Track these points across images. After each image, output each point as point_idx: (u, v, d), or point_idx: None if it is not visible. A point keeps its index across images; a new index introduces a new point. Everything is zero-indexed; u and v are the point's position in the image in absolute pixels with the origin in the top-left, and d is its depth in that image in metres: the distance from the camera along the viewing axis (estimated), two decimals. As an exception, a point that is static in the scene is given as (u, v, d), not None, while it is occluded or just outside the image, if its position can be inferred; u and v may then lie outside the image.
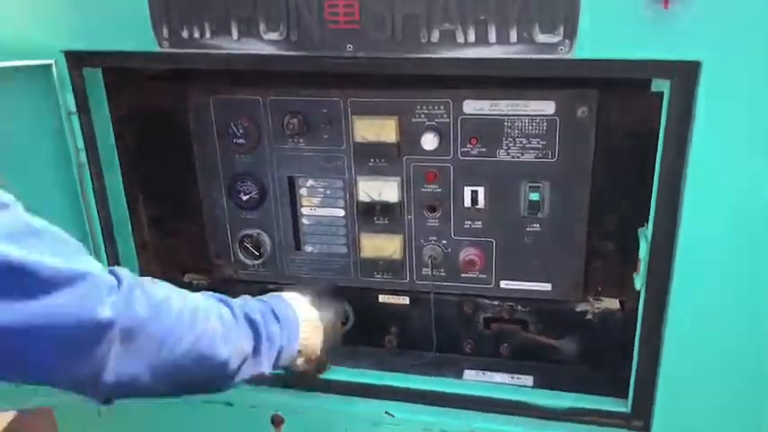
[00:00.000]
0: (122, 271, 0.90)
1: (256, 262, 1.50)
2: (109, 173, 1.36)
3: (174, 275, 1.58)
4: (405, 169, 1.38)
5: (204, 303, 1.01)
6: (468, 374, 1.46)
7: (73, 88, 1.25)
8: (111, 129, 1.35)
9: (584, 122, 1.27)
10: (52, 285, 0.78)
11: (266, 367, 1.08)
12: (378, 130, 1.34)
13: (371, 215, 1.42)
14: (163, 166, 1.48)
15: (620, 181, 1.33)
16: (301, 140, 1.39)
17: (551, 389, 1.40)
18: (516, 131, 1.31)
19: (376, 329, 1.53)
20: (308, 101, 1.36)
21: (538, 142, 1.31)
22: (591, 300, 1.43)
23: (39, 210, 0.85)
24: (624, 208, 1.34)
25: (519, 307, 1.46)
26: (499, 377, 1.44)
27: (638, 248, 1.22)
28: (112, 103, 1.33)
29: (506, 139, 1.31)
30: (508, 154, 1.32)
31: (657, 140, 1.15)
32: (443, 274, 1.44)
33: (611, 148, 1.31)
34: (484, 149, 1.33)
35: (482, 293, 1.45)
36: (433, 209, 1.40)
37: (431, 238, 1.42)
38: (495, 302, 1.46)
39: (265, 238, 1.48)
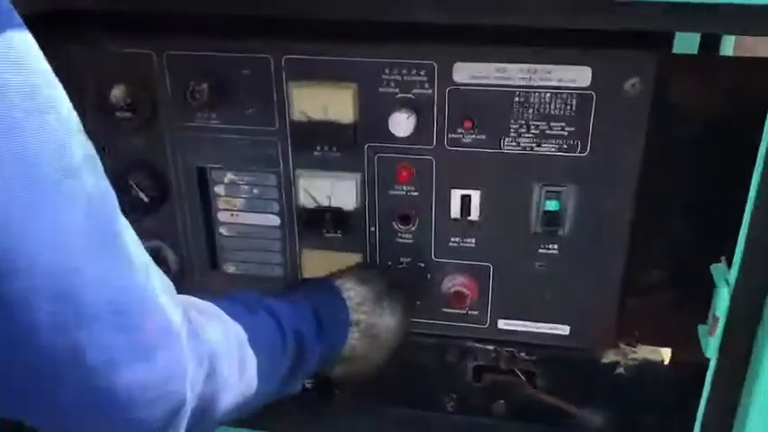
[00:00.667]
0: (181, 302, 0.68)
1: (157, 284, 1.07)
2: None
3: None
4: (367, 162, 0.95)
5: (261, 338, 0.79)
6: (448, 442, 1.06)
7: None
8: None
9: (634, 100, 0.85)
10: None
11: (298, 387, 0.90)
12: (326, 103, 0.91)
13: (318, 225, 0.99)
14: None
15: (681, 188, 0.91)
16: (214, 115, 0.95)
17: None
18: (531, 111, 0.88)
19: (322, 377, 1.11)
20: (224, 58, 0.92)
21: (562, 128, 0.88)
22: (623, 348, 1.02)
23: None
24: (683, 229, 0.93)
25: (522, 354, 1.05)
26: (493, 450, 1.04)
27: (711, 294, 0.81)
28: None
29: (516, 122, 0.89)
30: (518, 144, 0.90)
31: (745, 131, 0.73)
32: (418, 307, 1.02)
33: (671, 139, 0.89)
34: (482, 137, 0.90)
35: (471, 335, 1.04)
36: (405, 219, 0.97)
37: (402, 260, 1.00)
38: (490, 347, 1.05)
39: (168, 254, 1.05)
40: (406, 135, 0.89)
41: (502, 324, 1.02)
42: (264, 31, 0.91)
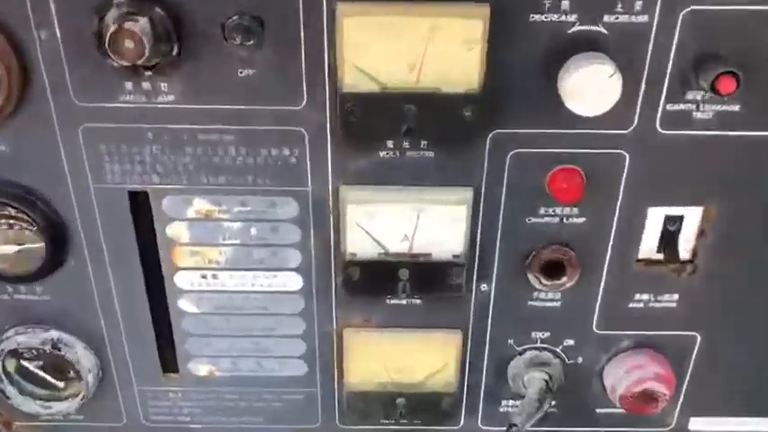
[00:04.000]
0: None
1: (57, 406, 0.56)
2: None
3: None
4: (487, 166, 0.47)
5: None
6: None
7: None
8: None
9: None
10: None
11: None
12: (418, 47, 0.41)
13: (380, 287, 0.51)
14: None
15: None
16: (163, 85, 0.44)
17: None
18: None
19: None
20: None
21: None
22: None
23: None
24: None
25: (714, 462, 0.63)
26: None
27: None
28: None
29: (811, 78, 0.44)
30: (802, 119, 0.45)
31: None
32: (554, 412, 0.57)
33: None
34: (735, 107, 0.45)
35: (640, 443, 0.61)
36: (555, 269, 0.51)
37: (535, 336, 0.54)
38: (664, 456, 0.62)
39: (76, 350, 0.54)
40: (601, 113, 0.42)
41: (695, 424, 0.59)
42: None
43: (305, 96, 0.45)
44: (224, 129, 0.46)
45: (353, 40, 0.42)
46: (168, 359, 0.57)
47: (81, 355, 0.55)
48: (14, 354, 0.56)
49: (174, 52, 0.43)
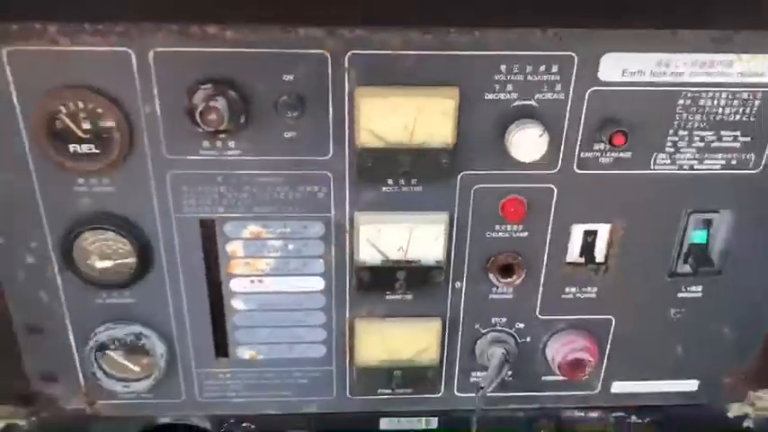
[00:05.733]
0: None
1: (134, 386, 0.73)
2: None
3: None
4: (460, 197, 0.66)
5: None
6: None
7: None
8: None
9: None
10: None
11: None
12: (414, 117, 0.61)
13: (382, 286, 0.70)
14: None
15: None
16: (232, 144, 0.63)
17: None
18: (700, 117, 0.64)
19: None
20: (249, 56, 0.59)
21: (735, 138, 0.65)
22: (753, 396, 0.83)
23: None
24: None
25: (633, 418, 0.82)
26: None
27: None
28: None
29: (677, 133, 0.64)
30: (673, 162, 0.66)
31: None
32: (510, 379, 0.76)
33: None
34: (626, 155, 0.65)
35: (573, 404, 0.80)
36: (507, 270, 0.70)
37: (494, 321, 0.74)
38: (594, 415, 0.82)
39: (154, 341, 0.72)
40: (535, 159, 0.62)
41: (616, 387, 0.79)
42: (317, 16, 0.60)
43: (331, 150, 0.64)
44: (273, 173, 0.65)
45: (367, 112, 0.61)
46: (221, 346, 0.74)
47: (155, 344, 0.72)
48: (103, 345, 0.73)
49: (242, 121, 0.62)
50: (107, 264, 0.68)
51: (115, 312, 0.71)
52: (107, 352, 0.73)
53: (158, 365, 0.73)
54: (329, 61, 0.60)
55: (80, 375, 0.74)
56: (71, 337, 0.72)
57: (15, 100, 0.60)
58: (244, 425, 0.80)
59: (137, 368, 0.74)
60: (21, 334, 0.72)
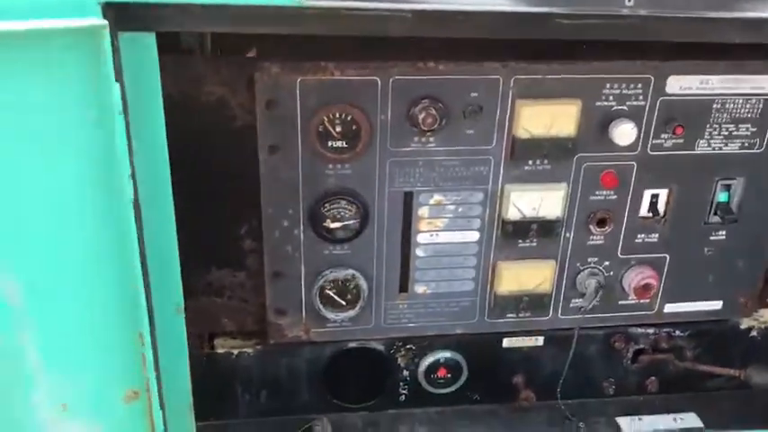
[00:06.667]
0: None
1: (342, 315, 1.04)
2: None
3: (195, 342, 1.05)
4: (574, 172, 1.00)
5: None
6: (623, 423, 1.15)
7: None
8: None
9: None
10: None
11: None
12: (551, 119, 0.95)
13: (519, 236, 1.03)
14: (202, 184, 0.94)
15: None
16: (432, 139, 0.95)
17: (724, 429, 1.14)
18: (726, 116, 0.99)
19: (495, 383, 1.15)
20: (451, 80, 0.92)
21: (747, 128, 1.01)
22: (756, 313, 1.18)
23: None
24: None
25: (677, 332, 1.16)
26: (662, 423, 1.15)
27: None
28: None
29: (711, 126, 1.00)
30: (709, 145, 1.01)
31: None
32: (598, 303, 1.10)
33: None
34: (680, 141, 1.00)
35: (639, 322, 1.14)
36: (602, 222, 1.04)
37: (590, 261, 1.07)
38: (651, 331, 1.16)
39: (360, 282, 1.02)
40: (629, 143, 0.96)
41: (668, 308, 1.13)
42: (493, 53, 0.93)
43: (494, 141, 0.97)
44: (456, 159, 0.97)
45: (522, 116, 0.95)
46: (403, 283, 1.05)
47: (361, 283, 1.02)
48: (323, 286, 1.03)
49: (442, 123, 0.94)
50: (337, 225, 0.98)
51: (336, 260, 1.01)
52: (326, 290, 1.03)
53: (363, 299, 1.03)
54: (500, 83, 0.93)
55: (303, 309, 1.04)
56: (302, 279, 1.02)
57: (299, 112, 0.91)
58: (407, 346, 1.11)
59: (344, 302, 1.04)
60: (268, 279, 1.01)
